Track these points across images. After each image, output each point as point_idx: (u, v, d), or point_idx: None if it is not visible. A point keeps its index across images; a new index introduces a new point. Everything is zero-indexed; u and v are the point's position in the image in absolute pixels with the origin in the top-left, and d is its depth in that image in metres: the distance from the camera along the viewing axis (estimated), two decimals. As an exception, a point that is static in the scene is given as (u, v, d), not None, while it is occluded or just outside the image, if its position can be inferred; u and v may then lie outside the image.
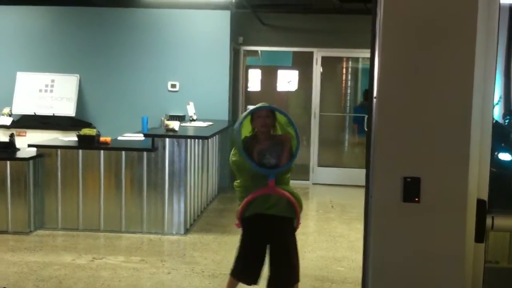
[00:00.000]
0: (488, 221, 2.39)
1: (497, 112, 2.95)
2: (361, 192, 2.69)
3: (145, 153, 6.30)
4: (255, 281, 4.07)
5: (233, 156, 4.09)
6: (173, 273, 5.10)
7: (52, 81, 9.03)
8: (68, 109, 8.88)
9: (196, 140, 6.85)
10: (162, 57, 8.96)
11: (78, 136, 6.59)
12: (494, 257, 2.93)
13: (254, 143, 4.02)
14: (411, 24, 2.36)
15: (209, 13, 8.86)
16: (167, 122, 6.83)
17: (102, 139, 6.58)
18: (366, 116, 6.44)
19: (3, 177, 6.16)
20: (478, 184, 2.40)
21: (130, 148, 6.43)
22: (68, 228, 6.36)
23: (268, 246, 4.04)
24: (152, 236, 6.23)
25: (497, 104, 2.79)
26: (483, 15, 2.34)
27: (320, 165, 9.78)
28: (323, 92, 9.77)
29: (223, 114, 8.87)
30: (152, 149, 6.28)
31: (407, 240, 2.42)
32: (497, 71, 2.45)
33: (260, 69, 11.43)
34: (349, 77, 10.40)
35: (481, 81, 2.37)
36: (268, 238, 4.04)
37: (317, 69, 9.68)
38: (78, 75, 9.03)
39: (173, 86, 8.99)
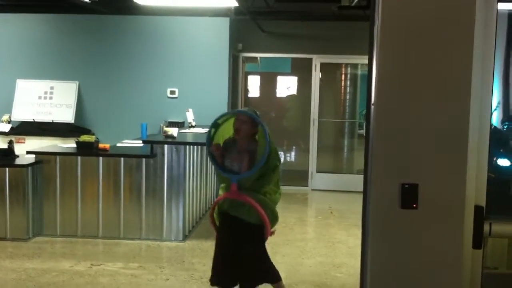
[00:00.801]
0: (486, 227, 2.39)
1: (496, 118, 2.96)
2: (360, 198, 2.68)
3: (144, 159, 6.30)
4: (225, 283, 4.10)
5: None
6: (172, 280, 5.09)
7: (52, 88, 9.04)
8: (67, 116, 8.89)
9: (195, 146, 6.85)
10: (161, 64, 8.97)
11: (77, 142, 6.59)
12: (492, 263, 2.93)
13: (232, 145, 4.06)
14: (408, 31, 2.37)
15: (209, 20, 8.88)
16: (166, 129, 6.83)
17: (101, 145, 6.58)
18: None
19: (1, 184, 6.15)
20: (475, 190, 2.40)
21: (129, 154, 6.43)
22: (66, 235, 6.35)
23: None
24: (150, 243, 6.22)
25: (495, 110, 2.79)
26: (480, 22, 2.34)
27: (319, 171, 9.78)
28: (322, 98, 9.79)
29: (222, 120, 8.86)
30: (151, 155, 6.28)
31: (405, 246, 2.42)
32: (495, 77, 2.46)
33: (259, 76, 11.44)
34: (348, 83, 10.41)
35: (479, 87, 2.38)
36: (234, 240, 4.05)
37: (316, 76, 9.69)
38: (77, 82, 9.04)
39: (172, 92, 9.00)
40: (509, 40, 2.84)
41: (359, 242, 2.77)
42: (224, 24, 8.90)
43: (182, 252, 5.97)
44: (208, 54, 8.91)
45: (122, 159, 6.34)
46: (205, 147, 7.14)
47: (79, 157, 6.36)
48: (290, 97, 11.20)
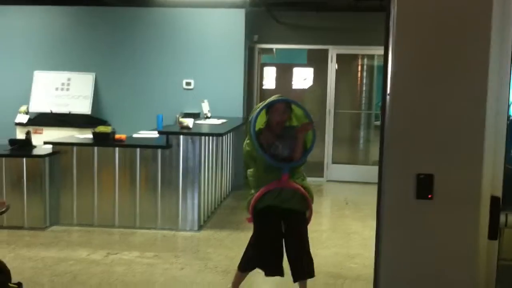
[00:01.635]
0: (502, 218, 2.37)
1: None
2: (376, 189, 2.68)
3: (159, 150, 6.33)
4: (276, 271, 4.05)
5: (247, 146, 4.08)
6: (187, 269, 5.13)
7: (69, 79, 9.11)
8: (84, 107, 8.95)
9: (211, 137, 6.87)
10: (177, 56, 8.99)
11: (94, 133, 6.64)
12: (509, 255, 2.91)
13: (269, 134, 4.02)
14: (424, 21, 2.35)
15: (224, 11, 8.87)
16: (181, 120, 6.85)
17: (117, 136, 6.63)
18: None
19: (19, 174, 6.23)
20: (492, 181, 2.38)
21: (145, 145, 6.46)
22: (83, 224, 6.41)
23: (284, 240, 4.04)
24: (166, 232, 6.26)
25: (514, 101, 2.76)
26: (498, 11, 2.32)
27: (334, 162, 9.77)
28: (338, 89, 9.74)
29: (238, 111, 8.88)
30: (167, 146, 6.31)
31: (420, 237, 2.41)
32: (514, 67, 2.43)
33: (275, 67, 11.44)
34: (364, 74, 10.36)
35: (496, 77, 2.36)
36: (283, 231, 4.04)
37: (332, 67, 9.65)
38: (94, 73, 9.09)
39: (188, 84, 9.02)
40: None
41: (374, 233, 2.76)
42: (239, 16, 8.89)
43: (197, 242, 6.01)
44: (224, 46, 8.91)
45: (138, 149, 6.37)
46: (219, 138, 7.22)
47: (95, 148, 6.41)
48: (306, 88, 11.18)
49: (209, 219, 6.83)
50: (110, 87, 9.18)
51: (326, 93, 9.70)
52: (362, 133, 10.52)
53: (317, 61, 10.31)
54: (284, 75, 11.43)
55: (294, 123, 4.12)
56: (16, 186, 6.24)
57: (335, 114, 9.74)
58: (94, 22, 9.15)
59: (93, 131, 6.72)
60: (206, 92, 8.85)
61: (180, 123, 6.74)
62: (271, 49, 10.42)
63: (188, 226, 6.36)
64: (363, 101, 10.41)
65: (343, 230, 6.60)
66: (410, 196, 2.39)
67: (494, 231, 2.37)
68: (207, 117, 8.28)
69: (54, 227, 6.35)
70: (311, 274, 4.09)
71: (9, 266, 4.06)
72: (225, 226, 6.59)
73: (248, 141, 4.07)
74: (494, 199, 2.37)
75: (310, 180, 9.17)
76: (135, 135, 7.31)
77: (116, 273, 4.99)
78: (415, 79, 2.38)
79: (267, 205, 3.99)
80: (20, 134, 8.36)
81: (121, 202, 6.41)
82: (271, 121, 4.04)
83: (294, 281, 4.06)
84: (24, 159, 6.25)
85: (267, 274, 4.10)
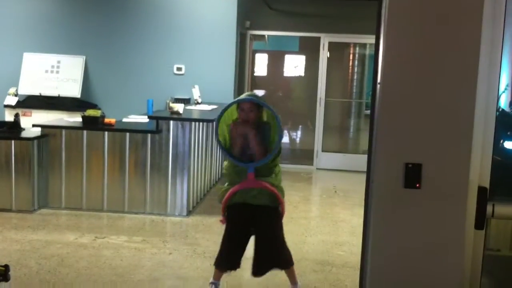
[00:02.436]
0: (489, 208, 2.39)
1: (504, 101, 2.93)
2: (365, 178, 2.68)
3: (149, 135, 6.31)
4: (235, 266, 4.07)
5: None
6: (175, 254, 5.14)
7: (58, 62, 9.03)
8: (73, 90, 8.89)
9: (201, 123, 6.85)
10: (168, 40, 8.94)
11: (83, 117, 6.60)
12: (495, 245, 2.94)
13: (239, 130, 3.99)
14: (416, 10, 2.35)
15: (216, -4, 8.82)
16: (171, 105, 6.82)
17: (106, 120, 6.59)
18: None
19: (7, 156, 6.19)
20: (480, 171, 2.40)
21: (134, 130, 6.44)
22: (71, 208, 6.39)
23: (254, 236, 4.05)
24: (154, 217, 6.26)
25: (503, 92, 2.77)
26: (489, 2, 2.32)
27: (324, 150, 9.78)
28: (329, 77, 9.74)
29: (229, 98, 8.82)
30: (156, 131, 6.28)
31: (407, 225, 2.42)
32: (505, 58, 2.43)
33: (267, 54, 11.39)
34: (356, 63, 10.35)
35: (486, 68, 2.36)
36: (252, 226, 4.05)
37: (323, 55, 9.64)
38: (84, 56, 9.02)
39: (179, 69, 8.98)
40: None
41: (362, 221, 2.78)
42: (232, 1, 8.83)
43: (186, 227, 6.01)
44: (216, 31, 8.86)
45: (127, 134, 6.35)
46: (209, 124, 7.20)
47: (84, 131, 6.38)
48: (297, 76, 11.16)
49: (198, 205, 6.83)
50: (100, 70, 9.11)
51: (317, 81, 9.69)
52: (352, 122, 10.53)
53: (309, 49, 10.29)
54: (276, 62, 11.39)
55: (264, 118, 4.06)
56: (4, 169, 6.20)
57: (326, 103, 9.74)
58: (85, 5, 9.06)
59: (82, 114, 6.67)
60: (197, 77, 8.82)
61: (170, 108, 6.71)
62: (263, 36, 10.38)
63: (177, 211, 6.36)
64: (354, 90, 10.41)
65: (331, 218, 6.62)
66: (398, 185, 2.40)
67: (481, 221, 2.39)
68: (198, 103, 8.26)
69: (42, 210, 6.33)
70: (284, 265, 4.09)
71: (-4, 248, 4.05)
72: (214, 212, 6.59)
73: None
74: (481, 190, 2.39)
75: (300, 168, 9.28)
76: (124, 120, 7.28)
77: (103, 257, 4.98)
78: (405, 69, 2.38)
79: (237, 202, 4.02)
80: (9, 116, 8.30)
81: (110, 187, 6.39)
82: (239, 118, 4.02)
83: (252, 274, 4.05)
84: (13, 142, 6.20)
85: (220, 267, 4.11)
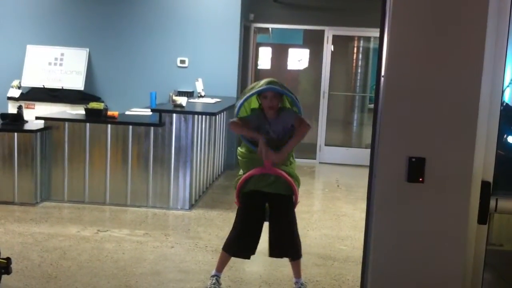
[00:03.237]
0: (492, 203, 2.37)
1: (508, 95, 2.91)
2: (368, 172, 2.67)
3: (152, 128, 6.30)
4: (249, 255, 4.08)
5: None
6: (177, 247, 5.13)
7: (62, 54, 9.01)
8: (76, 83, 8.88)
9: (204, 116, 6.84)
10: (171, 33, 8.91)
11: (86, 109, 6.59)
12: (498, 240, 2.92)
13: (261, 117, 4.05)
14: (420, 3, 2.32)
15: (220, -11, 8.79)
16: (175, 98, 6.81)
17: (109, 113, 6.58)
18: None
19: (10, 148, 6.19)
20: (483, 166, 2.37)
21: (138, 122, 6.43)
22: (74, 201, 6.40)
23: (268, 223, 4.06)
24: (157, 211, 6.26)
25: (508, 86, 2.74)
26: (495, -6, 2.29)
27: (327, 144, 9.76)
28: (333, 71, 9.70)
29: (232, 91, 8.84)
30: (159, 124, 6.27)
31: (410, 220, 2.40)
32: (510, 52, 2.41)
33: (271, 47, 11.36)
34: (360, 56, 10.32)
35: (491, 61, 2.34)
36: (266, 214, 4.06)
37: (327, 48, 9.60)
38: (87, 49, 9.01)
39: (183, 62, 8.96)
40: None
41: (364, 215, 2.76)
42: (235, -7, 8.80)
43: (188, 221, 6.01)
44: (219, 24, 8.83)
45: (130, 127, 6.34)
46: (212, 117, 7.18)
47: (87, 124, 6.37)
48: (301, 69, 11.13)
49: (200, 198, 6.83)
50: (103, 63, 9.09)
51: (321, 75, 9.66)
52: (356, 116, 10.51)
53: (313, 42, 10.26)
54: (280, 56, 11.35)
55: (286, 104, 4.13)
56: (7, 161, 6.20)
57: (330, 96, 9.71)
58: (89, -3, 9.04)
59: (85, 107, 6.66)
60: (200, 70, 8.79)
61: (174, 101, 6.70)
62: (267, 29, 10.34)
63: (179, 205, 6.36)
64: (358, 84, 10.38)
65: (334, 212, 6.61)
66: (401, 179, 2.38)
67: (484, 216, 2.37)
68: (201, 96, 8.24)
69: (45, 203, 6.34)
70: (294, 254, 4.11)
71: (-2, 241, 4.05)
72: (216, 206, 6.59)
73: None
74: (484, 184, 2.36)
75: (303, 162, 9.26)
76: (127, 112, 7.26)
77: (105, 250, 4.99)
78: (410, 62, 2.36)
79: (252, 189, 4.02)
80: (12, 109, 8.30)
81: (113, 180, 6.39)
82: (263, 106, 4.05)
83: (270, 255, 4.08)
84: (15, 134, 6.20)
85: (235, 255, 4.12)
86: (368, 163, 2.66)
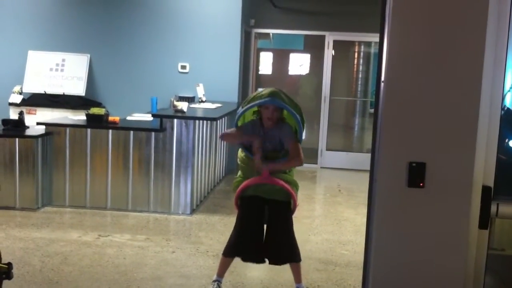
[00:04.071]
0: (493, 208, 2.37)
1: (509, 99, 2.91)
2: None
3: (153, 133, 6.30)
4: (254, 257, 4.07)
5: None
6: (178, 252, 5.13)
7: (63, 60, 9.03)
8: (78, 88, 8.89)
9: (205, 121, 6.84)
10: (172, 38, 8.92)
11: (87, 115, 6.60)
12: (500, 245, 2.92)
13: (257, 125, 4.05)
14: (420, 8, 2.33)
15: (221, -6, 8.81)
16: (176, 103, 6.82)
17: (110, 118, 6.59)
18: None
19: (12, 154, 6.19)
20: (484, 170, 2.38)
21: (139, 128, 6.43)
22: (75, 206, 6.40)
23: (265, 228, 4.07)
24: (158, 216, 6.26)
25: (509, 91, 2.75)
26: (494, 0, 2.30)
27: (328, 149, 9.76)
28: (334, 76, 9.71)
29: (233, 96, 8.85)
30: (161, 129, 6.28)
31: (411, 224, 2.41)
32: (510, 56, 2.41)
33: (272, 52, 11.37)
34: (361, 61, 10.32)
35: (491, 66, 2.34)
36: (265, 218, 4.06)
37: (328, 53, 9.61)
38: (88, 54, 9.02)
39: (183, 67, 8.97)
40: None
41: (366, 220, 2.76)
42: (236, -1, 8.83)
43: (189, 226, 6.01)
44: (220, 29, 8.84)
45: (131, 132, 6.35)
46: (213, 122, 7.19)
47: (88, 130, 6.38)
48: (302, 74, 11.14)
49: (201, 203, 6.82)
50: (104, 69, 9.11)
51: (322, 80, 9.67)
52: (357, 121, 10.51)
53: (314, 47, 10.26)
54: (281, 61, 11.36)
55: (286, 118, 4.12)
56: (8, 167, 6.21)
57: (331, 101, 9.72)
58: (90, 3, 9.04)
59: (86, 112, 6.67)
60: (201, 76, 8.80)
61: (175, 106, 6.71)
62: (268, 34, 10.36)
63: (180, 210, 6.36)
64: (359, 89, 10.38)
65: (335, 217, 6.61)
66: (402, 184, 2.39)
67: (485, 221, 2.37)
68: (202, 101, 8.25)
69: (46, 208, 6.34)
70: (293, 259, 4.11)
71: (-1, 246, 4.05)
72: (217, 211, 6.59)
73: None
74: (485, 189, 2.37)
75: (304, 167, 9.23)
76: (129, 118, 7.27)
77: (107, 255, 4.98)
78: (409, 67, 2.37)
79: (251, 194, 4.05)
80: (13, 114, 8.31)
81: (114, 185, 6.39)
82: (262, 115, 4.04)
83: (269, 263, 4.09)
84: (17, 140, 6.21)
85: (244, 259, 4.12)
86: (369, 168, 2.66)
